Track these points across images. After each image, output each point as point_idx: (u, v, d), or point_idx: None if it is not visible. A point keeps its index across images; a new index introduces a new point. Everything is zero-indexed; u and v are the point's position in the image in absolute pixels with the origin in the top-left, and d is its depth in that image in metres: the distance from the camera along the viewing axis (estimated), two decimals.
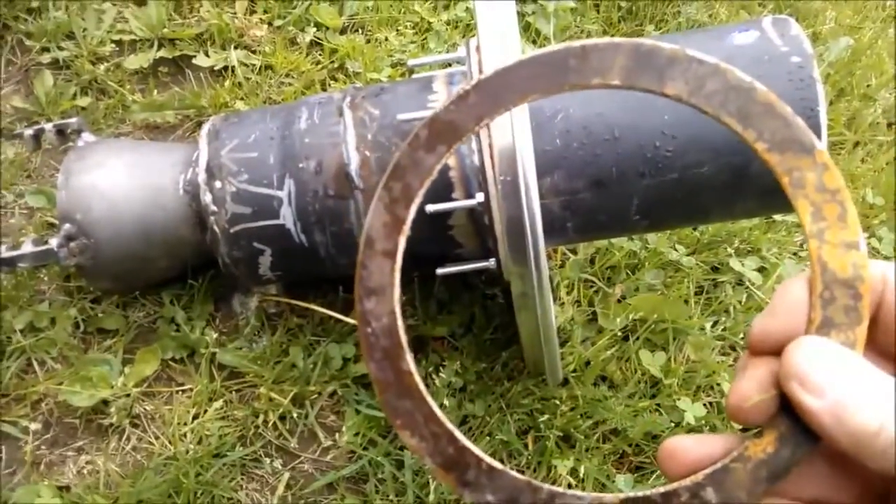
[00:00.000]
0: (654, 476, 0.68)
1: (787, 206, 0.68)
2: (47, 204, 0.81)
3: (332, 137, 0.65)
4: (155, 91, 0.90)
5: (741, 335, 0.78)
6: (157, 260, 0.71)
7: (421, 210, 0.61)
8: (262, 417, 0.70)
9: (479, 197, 0.60)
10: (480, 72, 0.61)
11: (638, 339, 0.75)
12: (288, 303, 0.75)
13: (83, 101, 0.88)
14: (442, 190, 0.62)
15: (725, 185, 0.61)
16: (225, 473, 0.67)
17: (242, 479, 0.68)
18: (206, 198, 0.65)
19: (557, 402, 0.71)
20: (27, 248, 0.68)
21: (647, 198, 0.62)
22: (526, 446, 0.70)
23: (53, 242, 0.67)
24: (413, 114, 0.62)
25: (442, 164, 0.34)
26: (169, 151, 0.72)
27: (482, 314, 0.76)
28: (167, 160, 0.70)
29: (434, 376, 0.72)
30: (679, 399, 0.72)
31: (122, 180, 0.69)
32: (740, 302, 0.81)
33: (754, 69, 0.60)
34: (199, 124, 0.89)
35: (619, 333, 0.76)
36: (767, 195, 0.62)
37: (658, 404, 0.72)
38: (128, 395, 0.70)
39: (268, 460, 0.69)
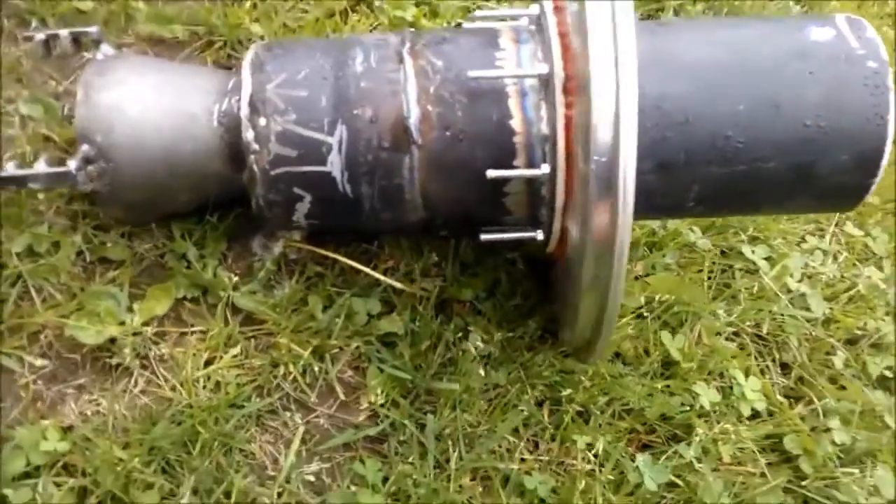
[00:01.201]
0: (664, 456, 0.69)
1: (841, 206, 0.70)
2: (44, 115, 0.74)
3: (392, 85, 0.61)
4: (161, 1, 0.83)
5: (747, 322, 0.80)
6: (179, 192, 0.66)
7: (479, 173, 0.59)
8: (281, 369, 0.67)
9: (545, 168, 0.58)
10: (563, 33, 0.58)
11: (657, 318, 0.76)
12: (311, 250, 0.71)
13: (84, 5, 0.80)
14: (504, 155, 0.60)
15: (789, 182, 0.61)
16: (241, 424, 0.65)
17: (257, 430, 0.65)
18: (248, 134, 0.61)
19: (580, 377, 0.71)
20: (41, 167, 0.62)
21: (708, 186, 0.61)
22: (543, 419, 0.70)
23: (72, 165, 0.61)
24: (484, 72, 0.59)
25: None
26: (201, 76, 0.67)
27: (507, 279, 0.74)
28: (199, 86, 0.65)
29: (460, 342, 0.70)
30: (695, 383, 0.73)
31: (148, 102, 0.63)
32: (748, 289, 0.82)
33: (831, 68, 0.59)
34: (210, 44, 0.83)
35: (635, 312, 0.76)
36: (826, 196, 0.63)
37: (668, 386, 0.74)
38: (138, 334, 0.66)
39: (286, 413, 0.66)
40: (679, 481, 0.68)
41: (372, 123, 0.60)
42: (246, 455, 0.64)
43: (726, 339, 0.79)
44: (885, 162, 0.60)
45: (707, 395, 0.72)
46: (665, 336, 0.75)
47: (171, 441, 0.61)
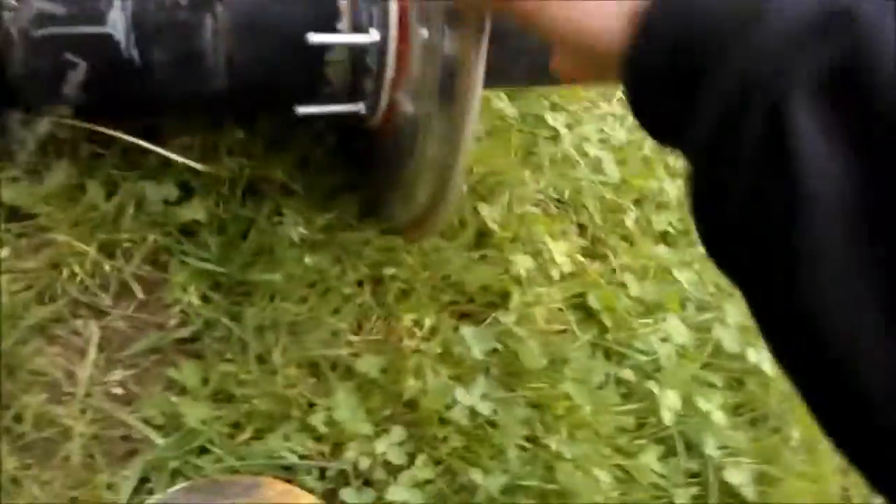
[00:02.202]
0: (484, 323, 0.71)
1: None
2: None
3: None
4: None
5: (550, 189, 0.82)
6: None
7: (296, 37, 0.52)
8: (64, 270, 0.57)
9: (374, 34, 0.52)
10: None
11: (472, 189, 0.75)
12: (87, 127, 0.60)
13: None
14: (326, 17, 0.53)
15: None
16: (22, 339, 0.55)
17: (43, 342, 0.56)
18: None
19: (402, 255, 0.68)
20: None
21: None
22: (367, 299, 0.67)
23: None
24: None
25: None
26: None
27: (320, 154, 0.69)
28: None
29: (274, 228, 0.64)
30: (510, 252, 0.74)
31: None
32: (552, 156, 0.84)
33: None
34: None
35: None
36: None
37: (485, 256, 0.74)
38: None
39: (77, 321, 0.57)
40: (499, 346, 0.70)
41: None
42: (35, 373, 0.55)
43: (532, 205, 0.81)
44: None
45: (523, 263, 0.74)
46: (482, 206, 0.74)
47: None
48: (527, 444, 0.66)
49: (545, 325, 0.73)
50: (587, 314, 0.76)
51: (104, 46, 0.50)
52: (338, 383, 0.62)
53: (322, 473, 0.59)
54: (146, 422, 0.56)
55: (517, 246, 0.76)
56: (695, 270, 0.86)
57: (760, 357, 0.82)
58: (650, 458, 0.72)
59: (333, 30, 0.53)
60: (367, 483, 0.61)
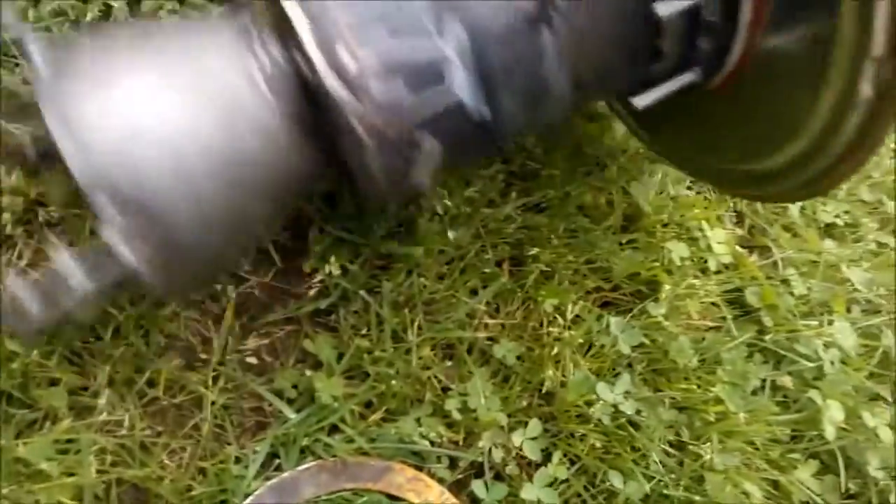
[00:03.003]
0: (630, 314, 0.65)
1: None
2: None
3: None
4: None
5: None
6: (260, 219, 0.44)
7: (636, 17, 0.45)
8: None
9: None
10: None
11: (622, 167, 0.69)
12: None
13: None
14: None
15: None
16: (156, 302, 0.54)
17: (180, 307, 0.55)
18: (333, 85, 0.39)
19: (548, 234, 0.64)
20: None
21: None
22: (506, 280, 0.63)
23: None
24: None
25: None
26: (199, 31, 0.42)
27: None
28: (211, 44, 0.41)
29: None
30: (663, 238, 0.68)
31: (163, 104, 0.39)
32: None
33: None
34: None
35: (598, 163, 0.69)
36: None
37: (634, 240, 0.68)
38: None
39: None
40: (646, 340, 0.64)
41: None
42: (170, 336, 0.54)
43: (686, 188, 0.74)
44: None
45: (676, 250, 0.67)
46: (634, 185, 0.68)
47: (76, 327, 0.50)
48: (671, 450, 0.60)
49: (698, 320, 0.67)
50: (745, 311, 0.69)
51: (455, 118, 0.42)
52: (474, 368, 0.59)
53: (453, 462, 0.56)
54: (278, 394, 0.55)
55: (670, 231, 0.69)
56: (864, 268, 0.77)
57: None
58: (805, 473, 0.65)
59: None
60: (499, 477, 0.57)
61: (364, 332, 0.57)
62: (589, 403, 0.59)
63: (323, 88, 0.38)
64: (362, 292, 0.57)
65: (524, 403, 0.59)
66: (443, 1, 0.40)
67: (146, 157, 0.37)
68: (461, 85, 0.40)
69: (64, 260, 0.37)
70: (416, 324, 0.58)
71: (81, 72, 0.38)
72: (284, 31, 0.39)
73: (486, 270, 0.62)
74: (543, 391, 0.60)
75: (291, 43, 0.39)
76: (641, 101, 0.49)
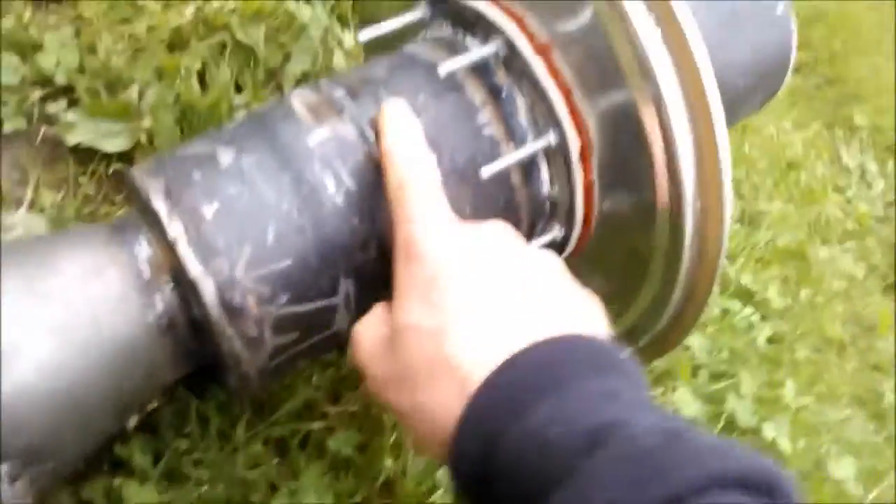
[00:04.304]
0: None
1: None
2: None
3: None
4: None
5: None
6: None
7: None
8: None
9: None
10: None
11: None
12: None
13: None
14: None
15: None
16: None
17: None
18: (234, 346, 0.42)
19: None
20: None
21: None
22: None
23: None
24: (493, 167, 0.45)
25: None
26: (79, 259, 0.41)
27: None
28: (109, 281, 0.41)
29: None
30: None
31: (46, 343, 0.38)
32: None
33: None
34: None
35: None
36: None
37: None
38: None
39: None
40: None
41: (381, 258, 0.44)
42: None
43: None
44: None
45: None
46: None
47: None
48: None
49: None
50: None
51: (331, 340, 0.46)
52: (307, 462, 0.56)
53: None
54: None
55: None
56: (707, 334, 0.80)
57: (779, 432, 0.76)
58: None
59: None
60: None
61: (186, 431, 0.54)
62: (430, 491, 0.58)
63: (228, 346, 0.42)
64: (183, 390, 0.54)
65: (362, 496, 0.57)
66: (337, 268, 0.43)
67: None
68: (340, 321, 0.45)
69: None
70: (244, 420, 0.55)
71: None
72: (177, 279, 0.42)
73: (326, 356, 0.60)
74: (383, 481, 0.58)
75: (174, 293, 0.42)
76: None
